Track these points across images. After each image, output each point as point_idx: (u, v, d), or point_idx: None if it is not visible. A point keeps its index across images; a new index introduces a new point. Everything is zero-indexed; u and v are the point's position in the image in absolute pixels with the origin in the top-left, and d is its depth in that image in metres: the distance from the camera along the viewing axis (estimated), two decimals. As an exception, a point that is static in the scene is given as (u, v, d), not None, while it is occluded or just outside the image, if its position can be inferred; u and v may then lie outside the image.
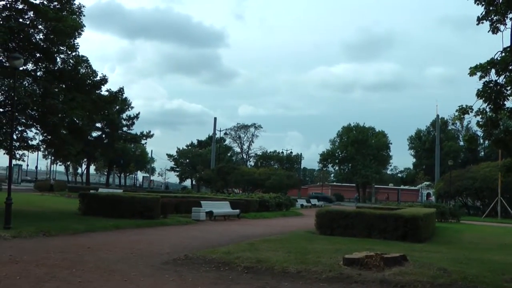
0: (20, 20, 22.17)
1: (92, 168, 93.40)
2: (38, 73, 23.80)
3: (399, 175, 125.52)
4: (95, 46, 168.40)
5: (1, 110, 23.14)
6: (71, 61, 23.79)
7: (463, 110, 10.88)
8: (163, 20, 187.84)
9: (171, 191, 67.87)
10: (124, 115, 76.75)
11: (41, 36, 22.87)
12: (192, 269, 10.22)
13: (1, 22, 21.17)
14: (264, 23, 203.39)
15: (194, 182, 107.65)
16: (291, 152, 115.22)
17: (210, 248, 13.19)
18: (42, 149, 30.15)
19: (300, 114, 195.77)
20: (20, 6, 22.14)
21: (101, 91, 25.76)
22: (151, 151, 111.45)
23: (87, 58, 24.26)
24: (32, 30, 22.54)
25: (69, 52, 23.71)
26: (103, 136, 73.96)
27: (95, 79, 24.54)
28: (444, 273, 9.62)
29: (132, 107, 77.80)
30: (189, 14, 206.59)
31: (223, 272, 9.94)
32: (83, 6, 23.98)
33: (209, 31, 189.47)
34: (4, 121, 22.71)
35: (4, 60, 21.89)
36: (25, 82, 23.16)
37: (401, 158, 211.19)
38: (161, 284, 8.82)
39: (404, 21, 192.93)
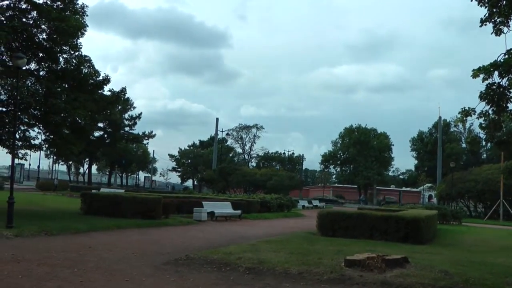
0: (23, 19, 22.21)
1: (94, 168, 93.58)
2: (41, 73, 23.84)
3: (401, 176, 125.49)
4: (98, 45, 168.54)
5: (4, 109, 23.20)
6: (74, 61, 23.83)
7: (466, 112, 10.86)
8: (166, 20, 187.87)
9: (175, 191, 67.97)
10: (126, 115, 76.95)
11: (44, 36, 22.90)
12: (193, 269, 10.22)
13: (4, 22, 21.21)
14: (266, 24, 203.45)
15: (195, 183, 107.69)
16: (293, 153, 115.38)
17: (211, 248, 13.20)
18: (44, 149, 30.20)
19: (302, 115, 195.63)
20: (24, 6, 22.19)
21: (104, 91, 25.84)
22: (153, 151, 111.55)
23: (90, 58, 24.31)
24: (35, 30, 22.57)
25: (72, 52, 23.75)
26: (105, 136, 74.10)
27: (97, 79, 24.58)
28: (445, 276, 9.60)
29: (134, 107, 78.06)
30: (192, 14, 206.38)
31: (224, 273, 9.94)
32: (86, 6, 24.03)
33: (212, 31, 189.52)
34: (7, 120, 22.77)
35: (7, 60, 21.95)
36: (28, 81, 23.21)
37: (403, 160, 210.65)
38: (162, 284, 8.82)
39: (407, 22, 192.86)
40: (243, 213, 28.90)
